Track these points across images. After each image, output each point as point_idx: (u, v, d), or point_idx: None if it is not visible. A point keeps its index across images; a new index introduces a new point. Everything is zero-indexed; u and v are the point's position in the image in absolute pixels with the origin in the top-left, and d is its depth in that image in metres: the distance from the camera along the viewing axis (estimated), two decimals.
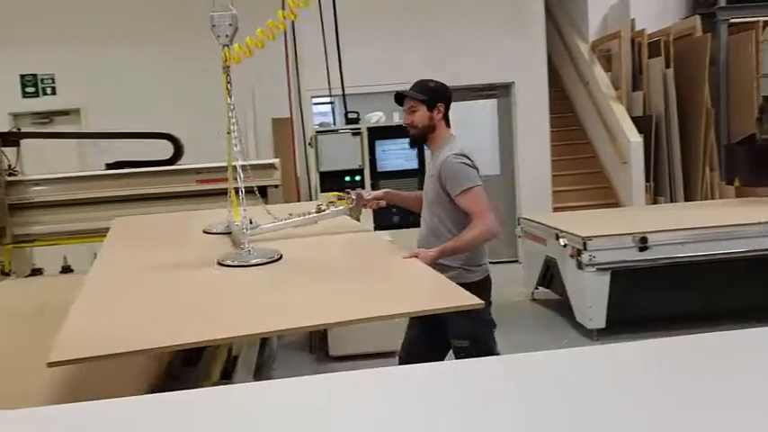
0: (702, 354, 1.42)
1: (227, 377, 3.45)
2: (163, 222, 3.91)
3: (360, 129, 5.48)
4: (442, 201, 3.12)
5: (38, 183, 5.51)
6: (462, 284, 3.21)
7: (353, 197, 3.06)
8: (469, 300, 2.08)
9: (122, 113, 7.34)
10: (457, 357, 3.28)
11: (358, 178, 5.51)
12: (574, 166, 9.04)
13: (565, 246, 5.54)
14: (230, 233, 2.54)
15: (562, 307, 6.09)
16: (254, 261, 2.42)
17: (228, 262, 2.43)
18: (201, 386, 2.89)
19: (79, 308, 2.06)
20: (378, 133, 5.51)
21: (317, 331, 5.52)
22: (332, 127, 5.72)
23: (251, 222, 2.64)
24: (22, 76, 7.87)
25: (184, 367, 2.84)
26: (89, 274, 2.59)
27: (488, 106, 8.71)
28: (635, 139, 8.03)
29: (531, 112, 8.38)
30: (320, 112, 8.08)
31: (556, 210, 8.26)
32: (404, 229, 5.41)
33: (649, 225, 5.61)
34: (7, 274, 4.86)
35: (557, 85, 9.25)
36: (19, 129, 6.47)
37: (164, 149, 5.89)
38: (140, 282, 2.44)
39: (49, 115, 7.90)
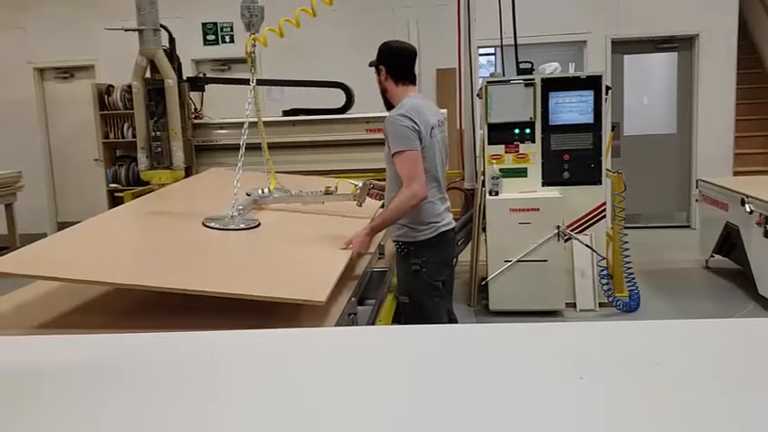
0: None
1: (396, 320, 3.55)
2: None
3: (533, 80, 5.26)
4: (390, 159, 3.08)
5: (221, 126, 5.87)
6: (410, 243, 3.19)
7: (360, 186, 3.30)
8: (313, 296, 2.08)
9: (294, 62, 7.59)
10: (401, 313, 3.30)
11: (528, 131, 5.31)
12: (761, 127, 8.32)
13: (751, 212, 5.16)
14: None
15: (741, 278, 5.73)
16: (232, 226, 2.73)
17: (212, 224, 2.71)
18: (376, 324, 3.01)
19: (55, 236, 2.46)
20: (552, 85, 5.25)
21: (478, 285, 5.53)
22: (503, 77, 5.52)
23: (262, 192, 3.22)
24: (204, 24, 8.32)
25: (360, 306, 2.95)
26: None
27: (667, 60, 8.13)
28: None
29: (716, 67, 7.74)
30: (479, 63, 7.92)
31: (737, 174, 7.67)
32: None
33: None
34: None
35: (744, 38, 8.45)
36: (204, 74, 6.89)
37: (331, 99, 6.04)
38: (126, 226, 2.82)
39: (227, 62, 8.34)
